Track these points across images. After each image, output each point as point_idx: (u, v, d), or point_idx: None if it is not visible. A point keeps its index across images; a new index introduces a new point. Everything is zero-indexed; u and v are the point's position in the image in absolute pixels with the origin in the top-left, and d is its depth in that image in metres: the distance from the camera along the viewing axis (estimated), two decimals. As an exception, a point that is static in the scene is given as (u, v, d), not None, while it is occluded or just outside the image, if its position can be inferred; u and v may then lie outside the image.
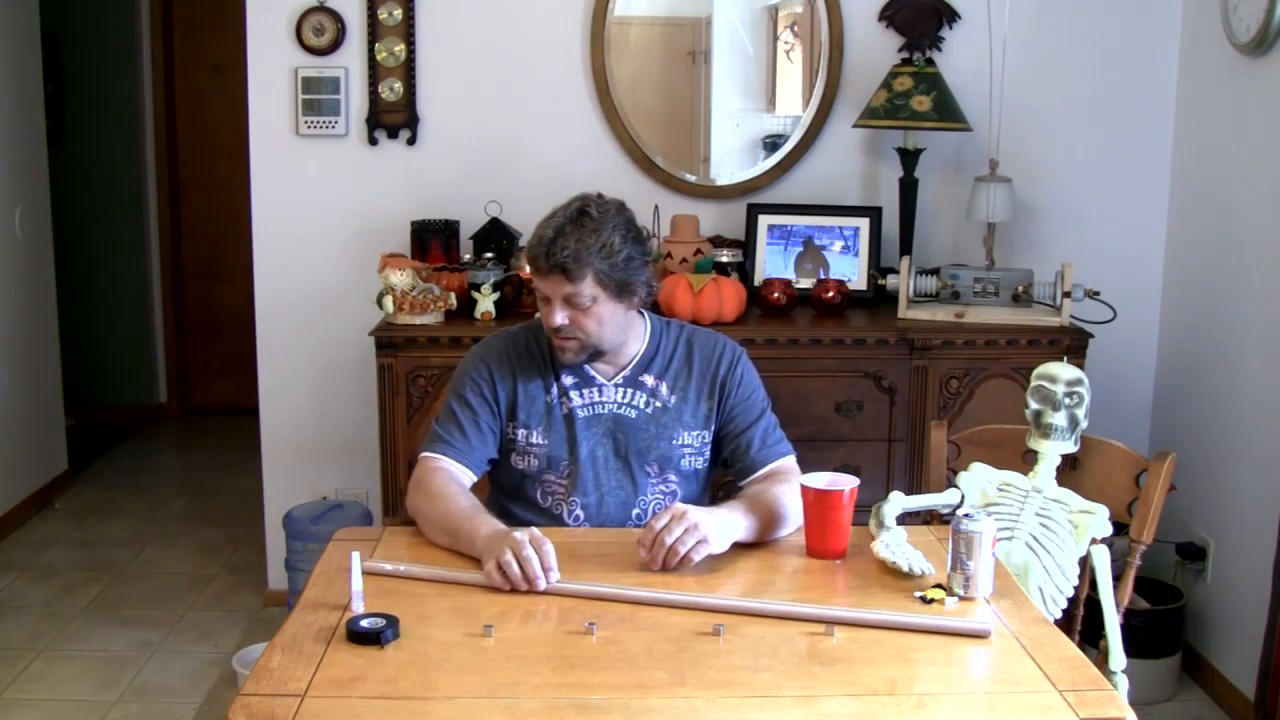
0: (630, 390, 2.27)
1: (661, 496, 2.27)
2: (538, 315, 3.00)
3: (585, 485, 2.25)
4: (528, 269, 2.24)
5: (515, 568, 1.85)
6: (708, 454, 2.31)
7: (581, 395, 2.26)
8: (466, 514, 2.05)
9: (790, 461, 2.26)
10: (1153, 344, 3.72)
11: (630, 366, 2.28)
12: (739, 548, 2.04)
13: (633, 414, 2.26)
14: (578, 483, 2.25)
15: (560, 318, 2.16)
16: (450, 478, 2.17)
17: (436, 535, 2.07)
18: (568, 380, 2.26)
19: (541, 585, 1.85)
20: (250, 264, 3.69)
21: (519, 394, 2.26)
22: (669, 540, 1.92)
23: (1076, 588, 2.14)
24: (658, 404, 2.27)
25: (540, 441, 2.25)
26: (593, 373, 2.27)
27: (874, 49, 3.57)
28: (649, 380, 2.28)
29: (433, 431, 2.26)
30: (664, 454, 2.27)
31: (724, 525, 1.99)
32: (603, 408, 2.26)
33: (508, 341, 2.31)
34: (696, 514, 1.96)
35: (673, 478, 2.28)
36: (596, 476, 2.25)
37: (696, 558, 1.94)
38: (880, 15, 3.58)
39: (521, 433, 2.26)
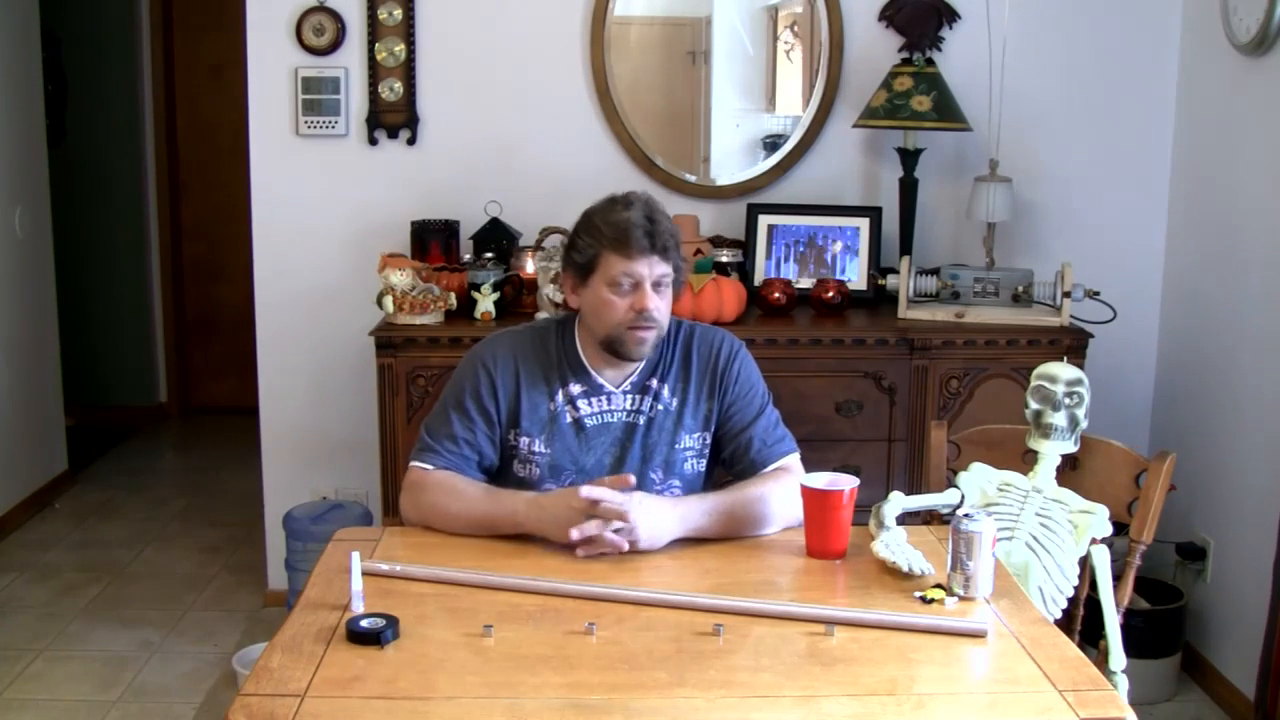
0: (638, 397, 2.24)
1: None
2: (539, 314, 2.97)
3: None
4: (612, 257, 2.15)
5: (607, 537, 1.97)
6: (708, 454, 2.29)
7: (590, 404, 2.22)
8: (488, 497, 2.11)
9: (791, 460, 2.23)
10: (1153, 344, 3.72)
11: (637, 372, 2.24)
12: (739, 548, 2.05)
13: (641, 420, 2.23)
14: None
15: (654, 300, 2.15)
16: (447, 478, 2.16)
17: (458, 527, 2.10)
18: (575, 389, 2.22)
19: (625, 546, 1.97)
20: (250, 264, 3.69)
21: (522, 401, 2.21)
22: (602, 527, 1.98)
23: (1076, 588, 2.14)
24: (660, 408, 2.24)
25: (542, 450, 2.21)
26: (600, 380, 2.23)
27: (874, 49, 3.57)
28: (653, 384, 2.24)
29: (423, 440, 2.20)
30: (667, 458, 2.24)
31: (661, 524, 2.02)
32: (612, 416, 2.23)
33: (513, 344, 2.25)
34: (639, 511, 1.99)
35: (676, 482, 2.25)
36: None
37: (619, 548, 1.99)
38: (880, 15, 3.58)
39: (524, 440, 2.21)
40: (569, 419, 2.22)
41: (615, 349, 2.18)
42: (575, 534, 1.97)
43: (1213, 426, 3.37)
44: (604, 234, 2.16)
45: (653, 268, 2.15)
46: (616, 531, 1.98)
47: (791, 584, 1.96)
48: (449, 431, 2.19)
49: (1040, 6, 3.57)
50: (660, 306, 2.17)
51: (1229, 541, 3.29)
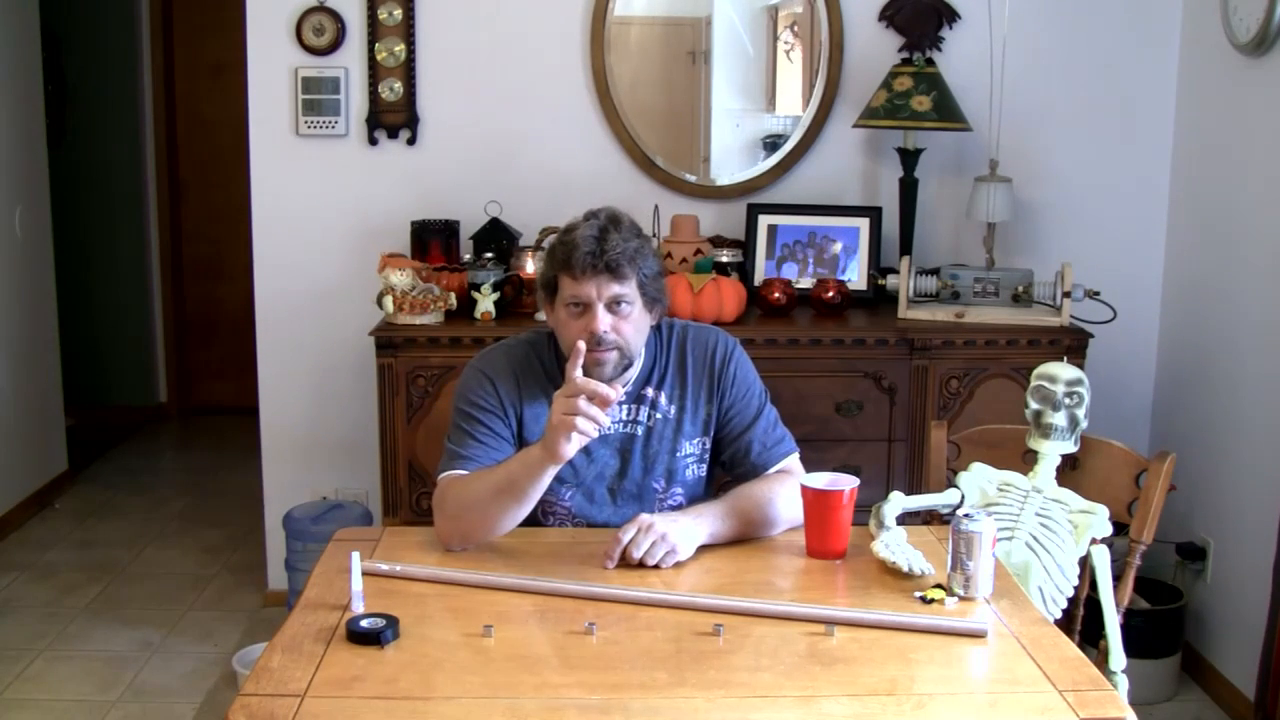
0: (635, 407, 2.21)
1: (670, 511, 2.19)
2: (539, 315, 2.95)
3: (594, 506, 2.20)
4: (564, 279, 2.10)
5: (588, 408, 1.88)
6: (708, 459, 2.27)
7: None
8: (503, 464, 2.05)
9: (791, 462, 2.23)
10: (1153, 344, 3.72)
11: (631, 382, 2.20)
12: (739, 548, 2.05)
13: (640, 431, 2.21)
14: (585, 504, 2.21)
15: (605, 323, 2.07)
16: (462, 475, 2.10)
17: (493, 505, 2.01)
18: None
19: (606, 407, 1.91)
20: (250, 264, 3.69)
21: (525, 414, 2.18)
22: (637, 555, 1.94)
23: (1076, 588, 2.14)
24: (659, 416, 2.22)
25: None
26: None
27: (874, 49, 3.57)
28: (649, 392, 2.22)
29: (448, 451, 2.16)
30: (669, 467, 2.23)
31: (689, 532, 2.00)
32: (609, 428, 2.18)
33: (508, 358, 2.22)
34: (662, 524, 1.97)
35: (678, 490, 2.24)
36: (605, 496, 2.21)
37: (666, 566, 1.95)
38: (880, 15, 3.58)
39: None
40: None
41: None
42: (609, 564, 1.95)
43: (1213, 426, 3.37)
44: (556, 255, 2.11)
45: (601, 289, 2.07)
46: (655, 554, 1.95)
47: (791, 584, 1.97)
48: (470, 435, 2.14)
49: (1040, 6, 3.57)
50: (621, 327, 2.09)
51: (1229, 541, 3.29)
